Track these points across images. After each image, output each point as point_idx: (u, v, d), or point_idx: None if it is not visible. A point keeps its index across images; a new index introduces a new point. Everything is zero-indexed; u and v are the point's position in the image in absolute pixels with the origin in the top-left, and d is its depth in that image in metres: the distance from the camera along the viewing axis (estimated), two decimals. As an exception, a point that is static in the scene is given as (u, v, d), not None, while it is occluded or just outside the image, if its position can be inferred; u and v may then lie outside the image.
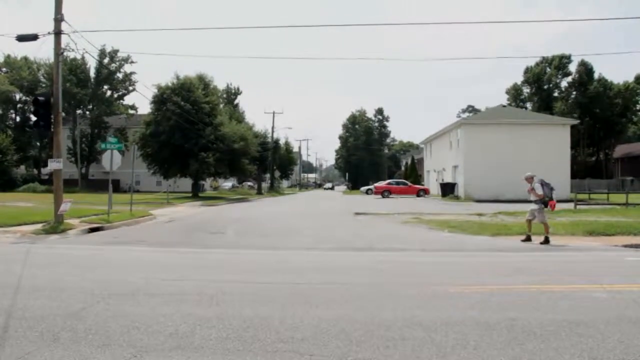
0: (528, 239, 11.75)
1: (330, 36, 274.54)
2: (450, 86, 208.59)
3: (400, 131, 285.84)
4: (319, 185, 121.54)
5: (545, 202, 11.74)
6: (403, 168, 73.04)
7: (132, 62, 53.88)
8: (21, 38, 14.62)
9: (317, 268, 8.19)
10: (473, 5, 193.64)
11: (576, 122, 42.80)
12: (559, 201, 30.10)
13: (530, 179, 12.06)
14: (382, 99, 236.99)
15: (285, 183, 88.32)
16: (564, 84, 67.43)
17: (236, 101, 65.23)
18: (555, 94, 67.80)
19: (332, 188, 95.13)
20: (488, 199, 32.43)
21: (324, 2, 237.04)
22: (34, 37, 14.53)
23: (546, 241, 11.37)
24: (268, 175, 65.23)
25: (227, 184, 68.97)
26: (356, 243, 11.70)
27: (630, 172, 56.01)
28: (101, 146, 22.91)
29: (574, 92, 65.46)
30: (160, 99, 38.03)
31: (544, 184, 11.84)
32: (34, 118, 15.07)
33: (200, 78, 41.76)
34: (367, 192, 51.27)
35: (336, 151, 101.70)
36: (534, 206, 11.86)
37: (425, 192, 42.51)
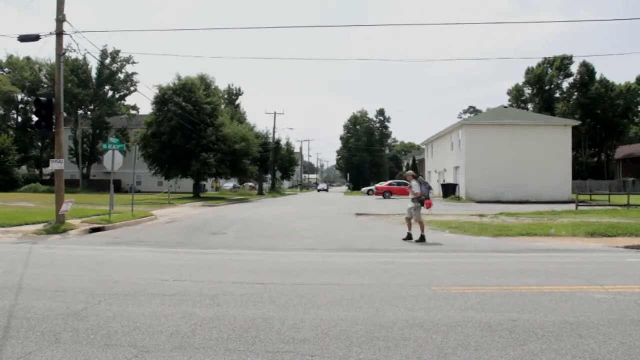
0: (409, 237, 11.95)
1: (332, 37, 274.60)
2: (451, 87, 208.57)
3: (401, 132, 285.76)
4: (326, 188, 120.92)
5: (421, 200, 12.05)
6: (404, 169, 73.05)
7: (133, 62, 54.08)
8: (23, 38, 14.66)
9: (318, 269, 8.19)
10: (475, 6, 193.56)
11: (577, 123, 42.77)
12: (560, 202, 30.25)
13: (410, 177, 12.40)
14: (383, 100, 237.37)
15: (286, 184, 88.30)
16: (565, 84, 67.43)
17: (237, 102, 65.26)
18: (557, 95, 67.74)
19: (326, 189, 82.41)
20: (489, 200, 32.44)
21: (325, 3, 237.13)
22: (35, 38, 14.56)
23: (422, 239, 11.70)
24: (269, 176, 65.26)
25: (229, 184, 69.04)
26: (357, 244, 11.70)
27: (631, 173, 55.94)
28: (102, 146, 22.95)
29: (575, 93, 65.42)
30: (162, 100, 38.11)
31: (422, 183, 12.21)
32: (35, 118, 15.10)
33: (202, 79, 41.84)
34: (368, 193, 51.28)
35: (337, 152, 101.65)
36: (410, 204, 12.20)
37: (427, 192, 42.45)
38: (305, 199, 47.21)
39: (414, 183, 12.18)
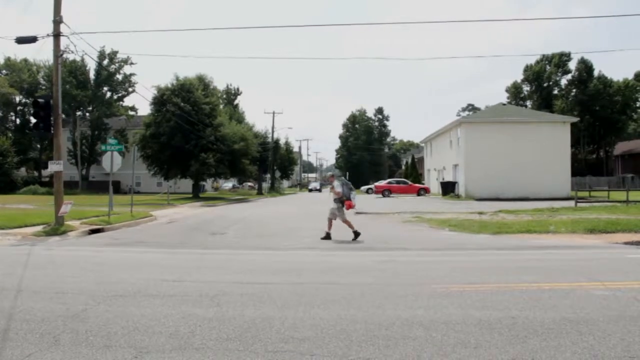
0: (327, 236, 12.02)
1: (331, 36, 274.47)
2: (450, 85, 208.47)
3: (400, 130, 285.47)
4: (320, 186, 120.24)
5: (342, 200, 12.14)
6: (403, 167, 73.08)
7: (131, 63, 54.01)
8: (20, 40, 14.63)
9: (317, 268, 8.19)
10: (475, 5, 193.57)
11: (576, 119, 42.78)
12: (559, 199, 30.28)
13: (332, 178, 12.58)
14: (382, 99, 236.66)
15: (285, 183, 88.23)
16: (563, 81, 67.59)
17: (236, 102, 65.33)
18: (555, 92, 67.85)
19: (319, 189, 73.21)
20: (489, 198, 32.44)
21: (324, 2, 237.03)
22: (33, 39, 14.54)
23: (356, 236, 11.86)
24: (268, 176, 65.25)
25: (228, 184, 69.04)
26: (356, 242, 11.70)
27: (630, 169, 55.98)
28: (101, 148, 22.96)
29: (574, 90, 65.50)
30: (160, 100, 38.09)
31: (344, 183, 12.33)
32: (34, 120, 15.08)
33: (200, 79, 41.81)
34: (367, 192, 51.28)
35: (336, 151, 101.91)
36: (333, 205, 12.30)
37: (426, 191, 42.52)
38: (304, 198, 47.22)
39: (336, 183, 12.34)
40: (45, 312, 5.13)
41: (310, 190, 73.74)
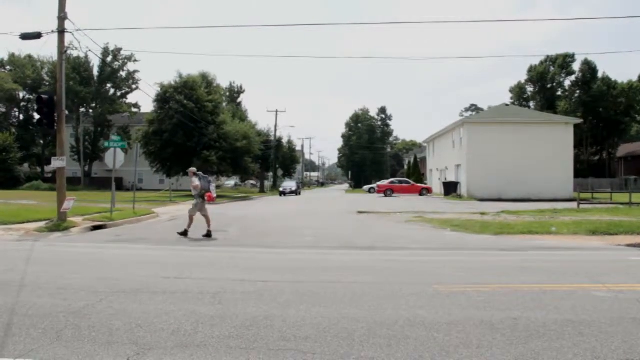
0: (184, 233, 12.29)
1: (335, 35, 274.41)
2: (453, 85, 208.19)
3: (403, 130, 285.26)
4: (321, 184, 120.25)
5: (202, 195, 12.50)
6: (406, 167, 72.97)
7: (135, 60, 54.02)
8: (25, 36, 14.65)
9: (319, 267, 8.20)
10: (477, 5, 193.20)
11: (579, 121, 42.62)
12: (561, 200, 30.22)
13: (191, 173, 12.98)
14: (385, 98, 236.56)
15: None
16: (567, 82, 67.17)
17: (239, 100, 65.39)
18: (559, 93, 67.50)
19: (295, 191, 49.11)
20: (491, 198, 32.40)
21: (328, 1, 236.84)
22: (37, 36, 14.56)
23: (208, 234, 12.22)
24: (271, 174, 65.27)
25: (230, 182, 69.13)
26: (358, 242, 11.69)
27: (633, 171, 55.81)
28: (104, 144, 23.00)
29: (578, 91, 65.19)
30: (163, 98, 38.19)
31: (202, 177, 12.76)
32: (37, 116, 15.13)
33: (203, 77, 41.89)
34: (369, 191, 51.31)
35: (339, 150, 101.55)
36: (194, 201, 12.72)
37: (428, 191, 42.46)
38: (306, 197, 47.17)
39: (194, 178, 12.69)
40: (47, 308, 5.15)
41: (284, 194, 48.03)
